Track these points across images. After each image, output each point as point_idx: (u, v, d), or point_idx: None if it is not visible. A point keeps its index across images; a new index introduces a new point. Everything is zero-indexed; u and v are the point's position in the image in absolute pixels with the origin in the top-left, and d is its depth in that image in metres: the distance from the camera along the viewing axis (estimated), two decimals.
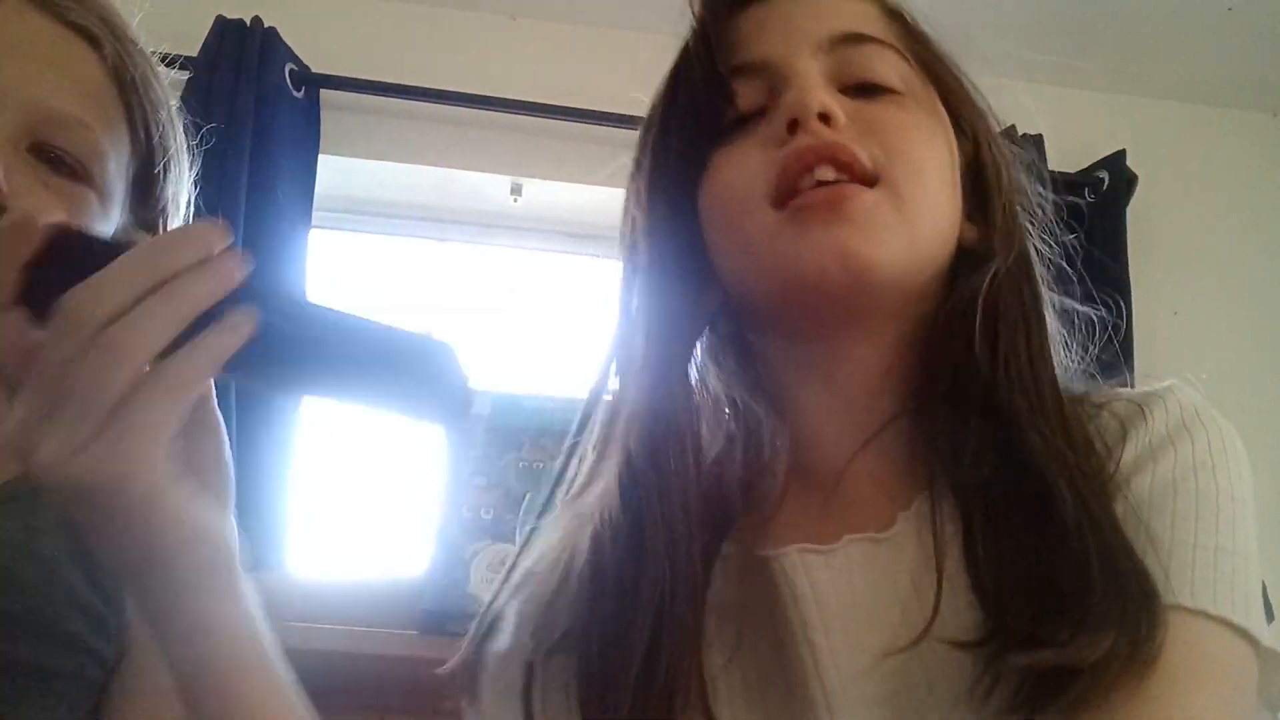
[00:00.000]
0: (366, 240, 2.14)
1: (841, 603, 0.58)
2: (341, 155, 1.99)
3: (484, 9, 2.12)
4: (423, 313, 2.08)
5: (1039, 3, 2.00)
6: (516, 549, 0.71)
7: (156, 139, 0.79)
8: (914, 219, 0.60)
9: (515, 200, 2.10)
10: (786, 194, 0.60)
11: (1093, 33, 2.10)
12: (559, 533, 0.67)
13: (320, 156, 1.93)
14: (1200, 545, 0.54)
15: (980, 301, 0.61)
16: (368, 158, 2.02)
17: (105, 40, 0.75)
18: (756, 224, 0.61)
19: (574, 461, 0.70)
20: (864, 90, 0.63)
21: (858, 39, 0.64)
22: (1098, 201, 2.08)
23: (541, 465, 1.35)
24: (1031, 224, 0.68)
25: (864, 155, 0.59)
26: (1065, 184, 2.07)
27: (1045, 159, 2.08)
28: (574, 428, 0.71)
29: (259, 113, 1.82)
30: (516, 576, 0.67)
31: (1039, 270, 0.66)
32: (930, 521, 0.58)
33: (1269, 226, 2.22)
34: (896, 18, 0.67)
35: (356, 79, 1.97)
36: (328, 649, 1.29)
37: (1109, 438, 0.59)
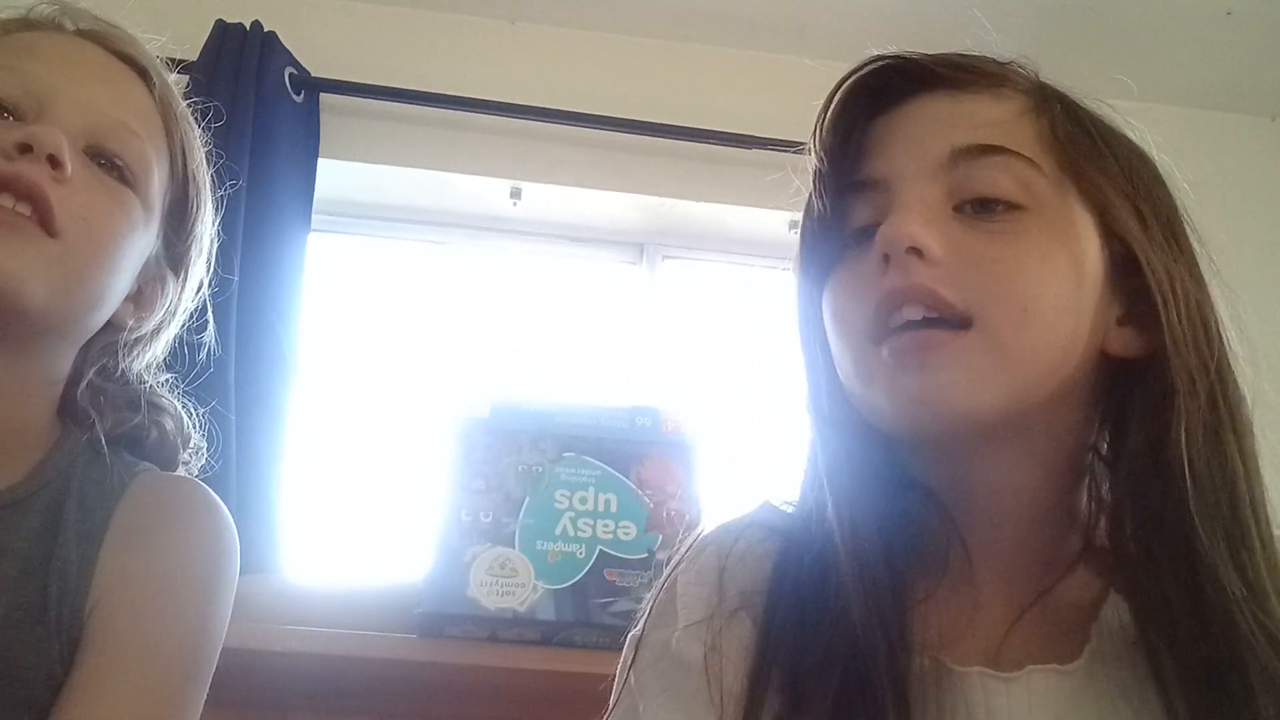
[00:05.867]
0: (366, 244, 2.14)
1: None
2: (341, 159, 1.99)
3: (483, 13, 2.12)
4: (422, 316, 2.08)
5: (1039, 7, 2.01)
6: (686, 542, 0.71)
7: (192, 171, 0.84)
8: (1013, 360, 0.58)
9: (515, 204, 2.10)
10: (880, 333, 0.60)
11: (1092, 37, 2.10)
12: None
13: (319, 160, 1.93)
14: None
15: (1149, 427, 0.59)
16: (367, 161, 2.02)
17: (153, 75, 0.81)
18: (869, 357, 0.61)
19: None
20: (982, 206, 0.60)
21: (980, 150, 0.61)
22: None
23: (540, 469, 1.35)
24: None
25: (955, 296, 0.58)
26: None
27: None
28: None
29: (258, 116, 1.82)
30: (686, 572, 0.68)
31: (1239, 394, 0.61)
32: (1115, 655, 0.58)
33: (1268, 230, 2.22)
34: (1045, 110, 0.64)
35: (356, 83, 1.97)
36: (327, 653, 1.28)
37: None
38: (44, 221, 0.69)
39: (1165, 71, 2.18)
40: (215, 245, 0.90)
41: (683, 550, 0.69)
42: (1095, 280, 0.61)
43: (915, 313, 0.58)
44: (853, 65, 0.66)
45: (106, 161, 0.75)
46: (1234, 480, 0.58)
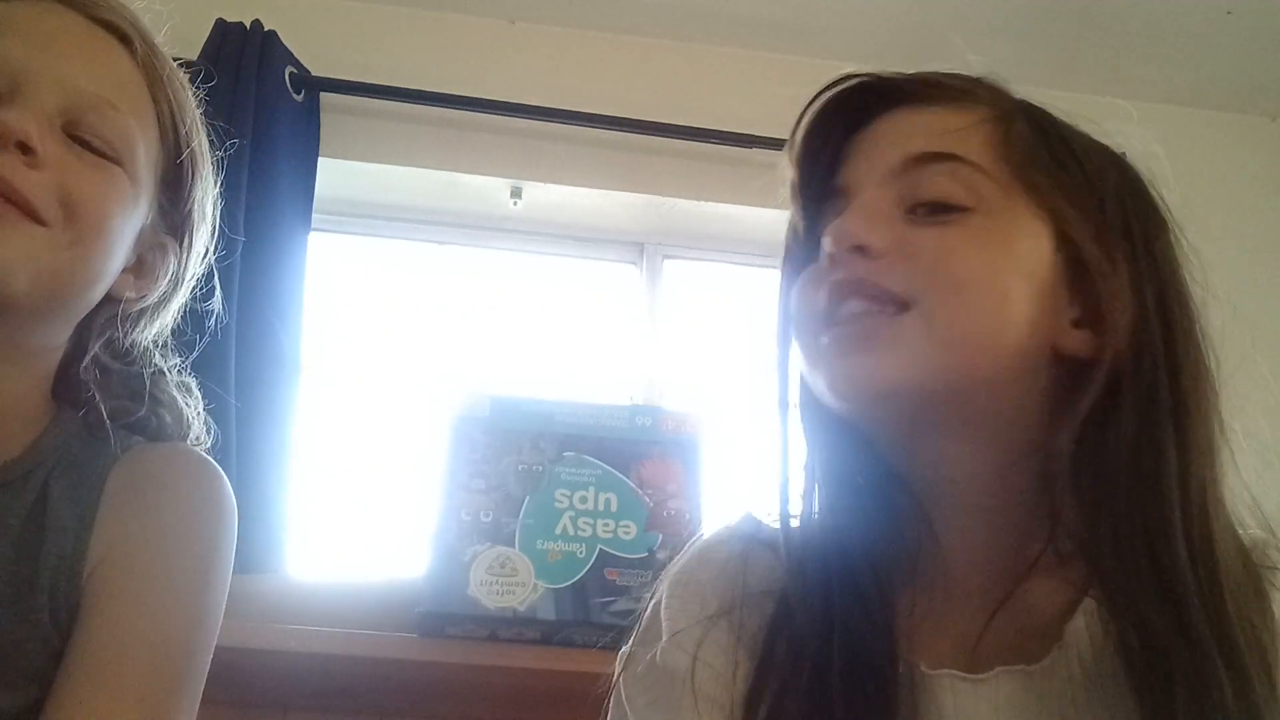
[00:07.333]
0: (366, 244, 2.14)
1: None
2: (341, 158, 1.99)
3: (483, 13, 2.12)
4: (422, 315, 2.08)
5: (1038, 6, 2.01)
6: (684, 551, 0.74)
7: (184, 136, 0.81)
8: (947, 335, 0.61)
9: (515, 203, 2.10)
10: (826, 324, 0.64)
11: (1092, 36, 2.10)
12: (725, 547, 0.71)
13: (320, 160, 1.93)
14: None
15: (1087, 425, 0.60)
16: (367, 161, 2.02)
17: (135, 39, 0.77)
18: (818, 346, 0.65)
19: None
20: (932, 209, 0.64)
21: (930, 158, 0.65)
22: None
23: (541, 468, 1.35)
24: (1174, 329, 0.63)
25: (896, 284, 0.62)
26: None
27: None
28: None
29: (259, 116, 1.82)
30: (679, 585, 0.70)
31: (1196, 389, 0.63)
32: (1089, 657, 0.58)
33: (1268, 230, 2.22)
34: (1004, 121, 0.67)
35: (356, 82, 1.97)
36: (327, 652, 1.29)
37: None
38: (24, 210, 0.68)
39: (1165, 71, 2.19)
40: (219, 208, 0.87)
41: (669, 569, 0.72)
42: (1042, 280, 0.63)
43: (857, 306, 0.63)
44: (828, 81, 0.71)
45: (87, 139, 0.73)
46: (1165, 488, 0.59)
